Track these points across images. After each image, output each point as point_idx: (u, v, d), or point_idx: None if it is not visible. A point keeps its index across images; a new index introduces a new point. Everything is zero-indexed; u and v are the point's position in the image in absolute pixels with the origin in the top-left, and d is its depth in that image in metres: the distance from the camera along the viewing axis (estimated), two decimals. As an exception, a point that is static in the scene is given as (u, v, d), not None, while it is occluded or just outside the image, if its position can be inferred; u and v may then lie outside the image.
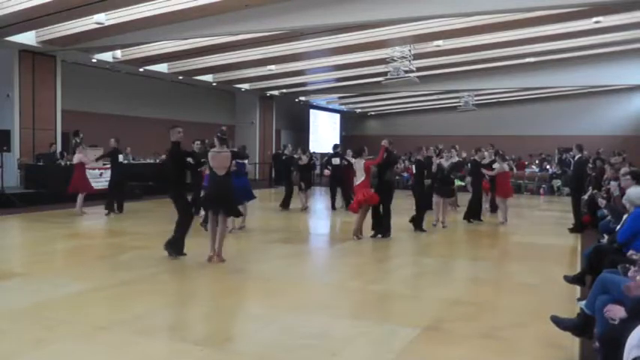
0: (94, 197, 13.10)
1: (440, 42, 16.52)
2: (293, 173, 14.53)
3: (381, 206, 9.63)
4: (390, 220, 9.65)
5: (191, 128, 19.65)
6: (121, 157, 13.14)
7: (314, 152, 20.26)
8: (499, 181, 12.04)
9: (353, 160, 10.19)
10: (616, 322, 3.30)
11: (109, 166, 13.31)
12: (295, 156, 14.50)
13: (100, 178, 14.28)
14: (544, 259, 8.19)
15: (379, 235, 9.62)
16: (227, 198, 7.40)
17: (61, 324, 4.72)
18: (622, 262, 4.21)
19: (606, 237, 7.12)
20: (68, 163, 12.46)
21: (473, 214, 12.04)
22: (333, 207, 14.35)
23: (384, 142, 9.67)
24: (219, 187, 7.30)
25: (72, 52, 16.05)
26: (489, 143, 13.76)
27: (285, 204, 14.01)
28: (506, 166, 12.16)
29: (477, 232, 11.10)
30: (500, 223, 11.62)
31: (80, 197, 12.19)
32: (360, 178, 9.39)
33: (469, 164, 12.95)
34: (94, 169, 14.32)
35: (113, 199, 12.42)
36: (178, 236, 7.42)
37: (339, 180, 14.22)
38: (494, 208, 13.08)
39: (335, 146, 15.54)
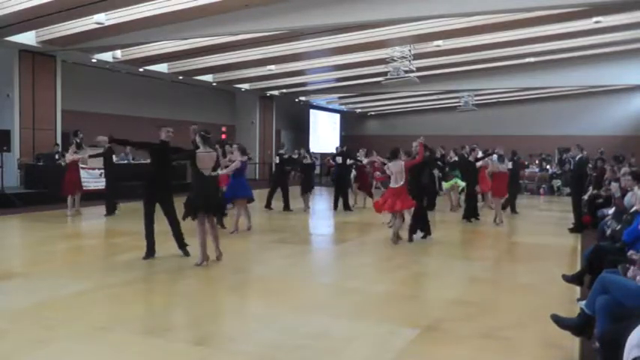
0: (93, 197, 13.07)
1: (440, 42, 16.52)
2: (291, 173, 14.20)
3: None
4: (427, 219, 9.63)
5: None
6: (115, 158, 12.93)
7: (312, 152, 20.24)
8: (495, 180, 12.02)
9: (388, 163, 9.66)
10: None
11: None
12: (285, 156, 14.04)
13: (100, 179, 14.26)
14: (544, 259, 8.19)
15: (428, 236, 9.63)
16: (217, 198, 7.40)
17: (61, 324, 4.72)
18: (622, 262, 4.22)
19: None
20: (63, 163, 12.33)
21: (470, 213, 12.09)
22: (337, 207, 14.04)
23: (421, 139, 9.49)
24: (209, 188, 7.15)
25: (72, 52, 16.05)
26: (464, 143, 13.70)
27: (287, 205, 13.69)
28: (502, 167, 12.11)
29: (477, 232, 11.10)
30: (495, 224, 11.54)
31: (70, 199, 11.90)
32: (399, 181, 8.94)
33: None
34: (93, 169, 14.32)
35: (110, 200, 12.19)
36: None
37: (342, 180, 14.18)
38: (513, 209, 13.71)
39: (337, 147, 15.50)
